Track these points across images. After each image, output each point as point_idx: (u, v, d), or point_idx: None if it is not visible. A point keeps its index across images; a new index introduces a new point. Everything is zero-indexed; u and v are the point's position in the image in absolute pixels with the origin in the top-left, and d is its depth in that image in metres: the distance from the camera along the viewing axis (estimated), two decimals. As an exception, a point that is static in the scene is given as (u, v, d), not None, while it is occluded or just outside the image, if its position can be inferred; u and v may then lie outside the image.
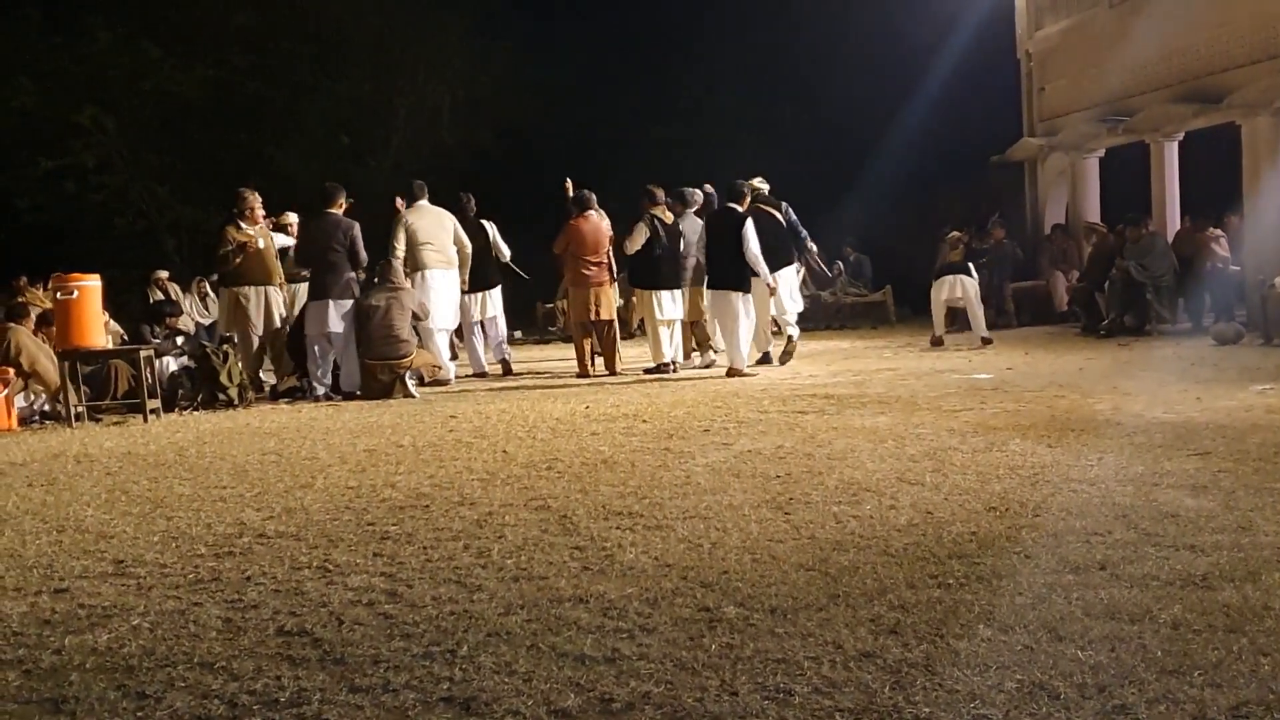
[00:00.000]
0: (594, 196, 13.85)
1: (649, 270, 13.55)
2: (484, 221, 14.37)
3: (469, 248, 13.72)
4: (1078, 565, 4.36)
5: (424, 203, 13.41)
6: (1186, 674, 3.25)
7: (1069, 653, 3.43)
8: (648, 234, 13.40)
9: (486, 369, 14.39)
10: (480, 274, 14.17)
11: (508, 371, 14.45)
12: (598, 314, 13.59)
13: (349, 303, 12.16)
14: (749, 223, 12.66)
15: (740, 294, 12.62)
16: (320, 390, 12.12)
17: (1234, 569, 4.23)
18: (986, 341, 15.44)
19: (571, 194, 13.96)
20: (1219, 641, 3.49)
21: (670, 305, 13.55)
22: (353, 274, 12.28)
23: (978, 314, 15.99)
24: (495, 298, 14.47)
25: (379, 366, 11.86)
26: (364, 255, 12.34)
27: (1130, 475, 6.04)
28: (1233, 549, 4.51)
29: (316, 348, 12.24)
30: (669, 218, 13.78)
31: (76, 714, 3.33)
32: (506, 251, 14.63)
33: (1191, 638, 3.53)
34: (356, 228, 12.40)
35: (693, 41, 31.12)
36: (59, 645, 3.93)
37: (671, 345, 13.72)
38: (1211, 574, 4.18)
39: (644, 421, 9.09)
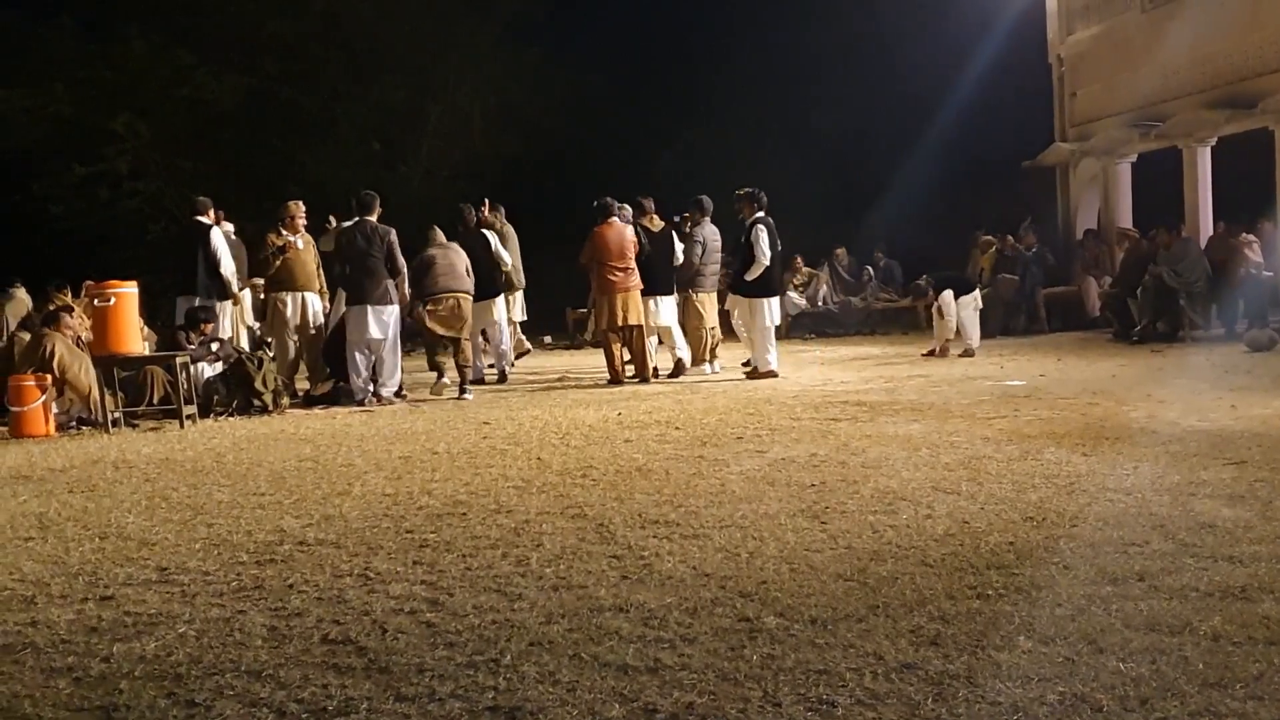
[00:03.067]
0: (615, 204, 13.92)
1: (643, 278, 13.84)
2: (485, 231, 14.46)
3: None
4: (1116, 576, 4.37)
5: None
6: (1228, 687, 3.26)
7: (1110, 665, 3.45)
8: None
9: (484, 374, 14.42)
10: (483, 284, 14.14)
11: (502, 379, 14.39)
12: (625, 319, 13.62)
13: (388, 308, 12.23)
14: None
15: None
16: (360, 395, 12.22)
17: (1273, 580, 4.23)
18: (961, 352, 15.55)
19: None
20: (1260, 654, 3.50)
21: (665, 311, 14.05)
22: (391, 280, 12.30)
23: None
24: (499, 306, 14.48)
25: (445, 300, 12.66)
26: (401, 261, 12.38)
27: (1166, 484, 6.03)
28: (1271, 560, 4.50)
29: (357, 353, 12.31)
30: (656, 225, 14.27)
31: (127, 721, 3.38)
32: (508, 259, 14.71)
33: (1232, 650, 3.54)
34: (393, 234, 12.43)
35: (721, 47, 31.10)
36: (107, 653, 3.98)
37: (655, 352, 14.34)
38: (1250, 586, 4.18)
39: (677, 429, 9.12)
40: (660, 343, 14.62)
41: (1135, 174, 21.18)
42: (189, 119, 29.24)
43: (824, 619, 4.00)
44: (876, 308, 21.88)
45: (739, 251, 13.64)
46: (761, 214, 13.48)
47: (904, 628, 3.86)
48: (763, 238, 13.24)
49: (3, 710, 3.50)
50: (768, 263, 13.31)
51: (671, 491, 6.44)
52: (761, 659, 3.63)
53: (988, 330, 18.44)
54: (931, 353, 15.40)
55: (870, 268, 22.37)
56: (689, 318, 14.29)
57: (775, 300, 13.73)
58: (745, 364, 14.02)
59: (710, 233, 14.12)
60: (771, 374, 13.21)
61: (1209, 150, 18.97)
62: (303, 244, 12.97)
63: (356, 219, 12.59)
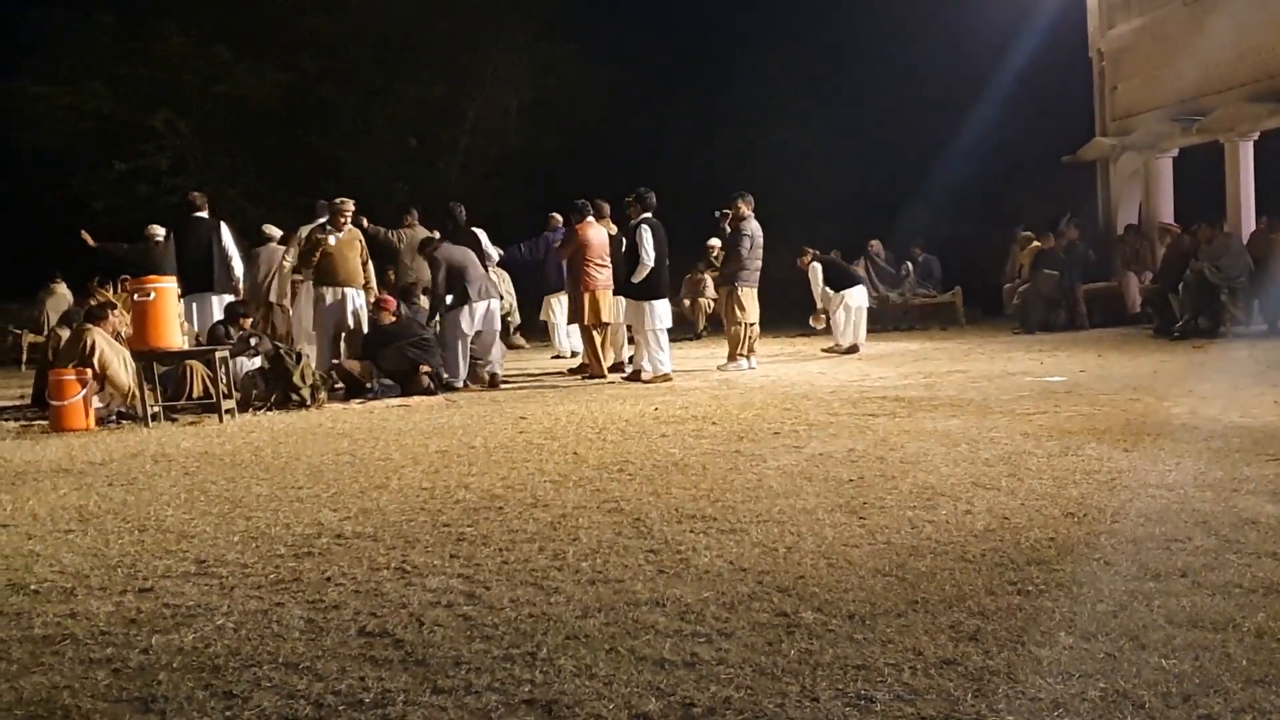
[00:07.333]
0: (590, 205, 14.23)
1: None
2: (475, 229, 14.54)
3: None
4: (1158, 572, 4.32)
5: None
6: (1272, 683, 3.21)
7: (1152, 661, 3.40)
8: None
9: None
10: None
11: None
12: (599, 316, 13.78)
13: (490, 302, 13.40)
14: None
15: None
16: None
17: (1319, 578, 4.18)
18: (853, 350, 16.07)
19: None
20: (1305, 651, 3.45)
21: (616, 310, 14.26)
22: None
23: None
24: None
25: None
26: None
27: (1209, 481, 5.97)
28: (1317, 557, 4.45)
29: (459, 343, 13.19)
30: (612, 229, 14.61)
31: (166, 713, 3.38)
32: (495, 255, 14.89)
33: (1276, 647, 3.49)
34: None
35: (757, 42, 31.04)
36: (146, 644, 3.99)
37: (612, 349, 14.59)
38: (1295, 582, 4.13)
39: (713, 424, 9.10)
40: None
41: (1176, 168, 21.01)
42: (227, 115, 29.46)
43: (862, 614, 3.97)
44: (915, 304, 21.77)
45: (626, 253, 13.74)
46: (648, 215, 13.48)
47: (943, 623, 3.83)
48: (647, 239, 13.25)
49: (43, 701, 3.51)
50: (652, 264, 13.28)
51: (708, 486, 6.42)
52: (799, 654, 3.60)
53: (1028, 326, 18.40)
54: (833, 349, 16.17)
55: (909, 263, 22.25)
56: (730, 312, 14.30)
57: (662, 302, 13.61)
58: (629, 367, 14.10)
59: (755, 228, 14.15)
60: (665, 378, 13.17)
61: (1251, 144, 18.80)
62: (346, 238, 13.07)
63: (453, 228, 13.88)
